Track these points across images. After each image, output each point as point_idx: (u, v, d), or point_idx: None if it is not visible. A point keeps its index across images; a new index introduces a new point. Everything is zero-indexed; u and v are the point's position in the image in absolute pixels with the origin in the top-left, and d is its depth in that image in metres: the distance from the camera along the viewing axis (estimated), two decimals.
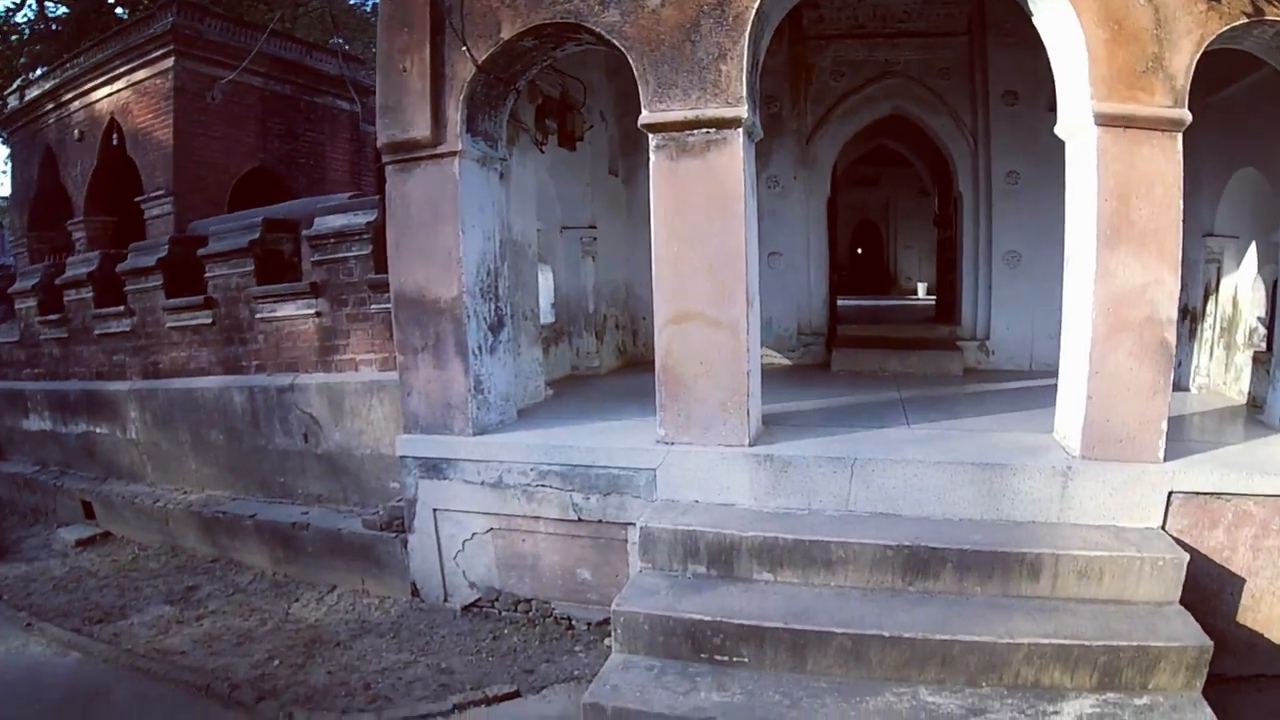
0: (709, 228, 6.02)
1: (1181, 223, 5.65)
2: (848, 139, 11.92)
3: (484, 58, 6.46)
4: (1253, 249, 8.44)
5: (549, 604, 6.64)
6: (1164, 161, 5.57)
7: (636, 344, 12.05)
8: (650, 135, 6.10)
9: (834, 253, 12.38)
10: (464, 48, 6.42)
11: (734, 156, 5.97)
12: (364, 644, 6.45)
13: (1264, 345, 8.24)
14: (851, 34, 11.37)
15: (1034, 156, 10.29)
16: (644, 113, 6.06)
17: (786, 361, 11.22)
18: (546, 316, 9.77)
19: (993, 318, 11.14)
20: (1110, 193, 5.59)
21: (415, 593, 7.06)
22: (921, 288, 26.14)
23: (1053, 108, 6.15)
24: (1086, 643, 4.69)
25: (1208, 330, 9.00)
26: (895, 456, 5.96)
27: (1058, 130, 6.08)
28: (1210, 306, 8.93)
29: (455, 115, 6.54)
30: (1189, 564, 5.15)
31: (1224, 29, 5.46)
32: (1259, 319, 8.45)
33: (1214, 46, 5.57)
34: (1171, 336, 5.70)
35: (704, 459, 6.12)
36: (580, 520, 6.41)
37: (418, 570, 7.04)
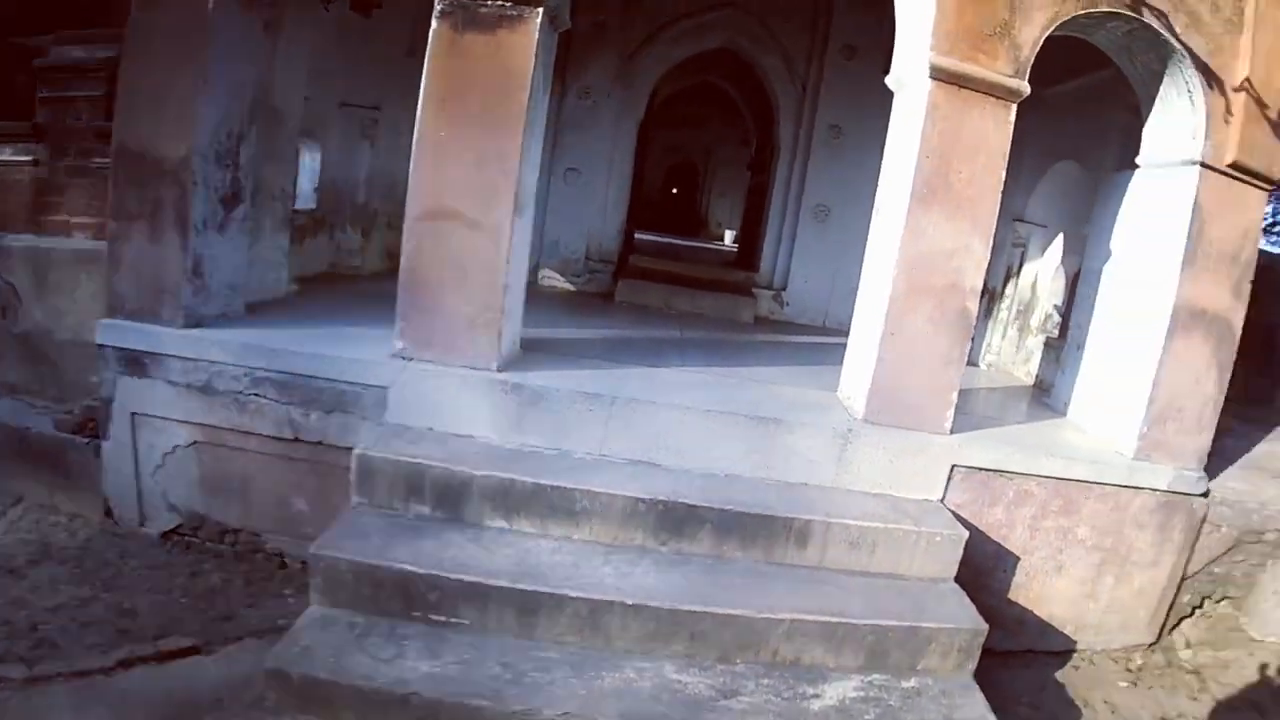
0: (485, 115, 5.22)
1: (1000, 194, 5.50)
2: (673, 64, 11.21)
3: None
4: (1059, 239, 8.74)
5: (260, 536, 5.70)
6: (993, 129, 5.37)
7: None
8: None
9: (639, 181, 11.82)
10: None
11: (528, 37, 5.20)
12: (41, 573, 5.25)
13: (1057, 332, 8.48)
14: None
15: (860, 114, 10.14)
16: None
17: (570, 287, 10.49)
18: (307, 201, 8.71)
19: (792, 269, 10.86)
20: (933, 150, 5.31)
21: (109, 513, 5.89)
22: (729, 235, 26.14)
23: (887, 69, 5.89)
24: (854, 621, 4.42)
25: (1004, 311, 9.34)
26: (662, 399, 5.40)
27: (889, 80, 5.81)
28: (1010, 288, 9.25)
29: None
30: (967, 540, 5.08)
31: (1079, 13, 5.37)
32: (1055, 306, 8.69)
33: (1065, 32, 5.53)
34: (974, 307, 5.54)
35: (444, 381, 5.34)
36: (298, 440, 5.47)
37: (112, 486, 5.85)
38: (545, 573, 4.43)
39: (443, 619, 4.27)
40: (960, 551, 5.04)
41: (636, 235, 14.10)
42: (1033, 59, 5.35)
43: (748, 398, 5.81)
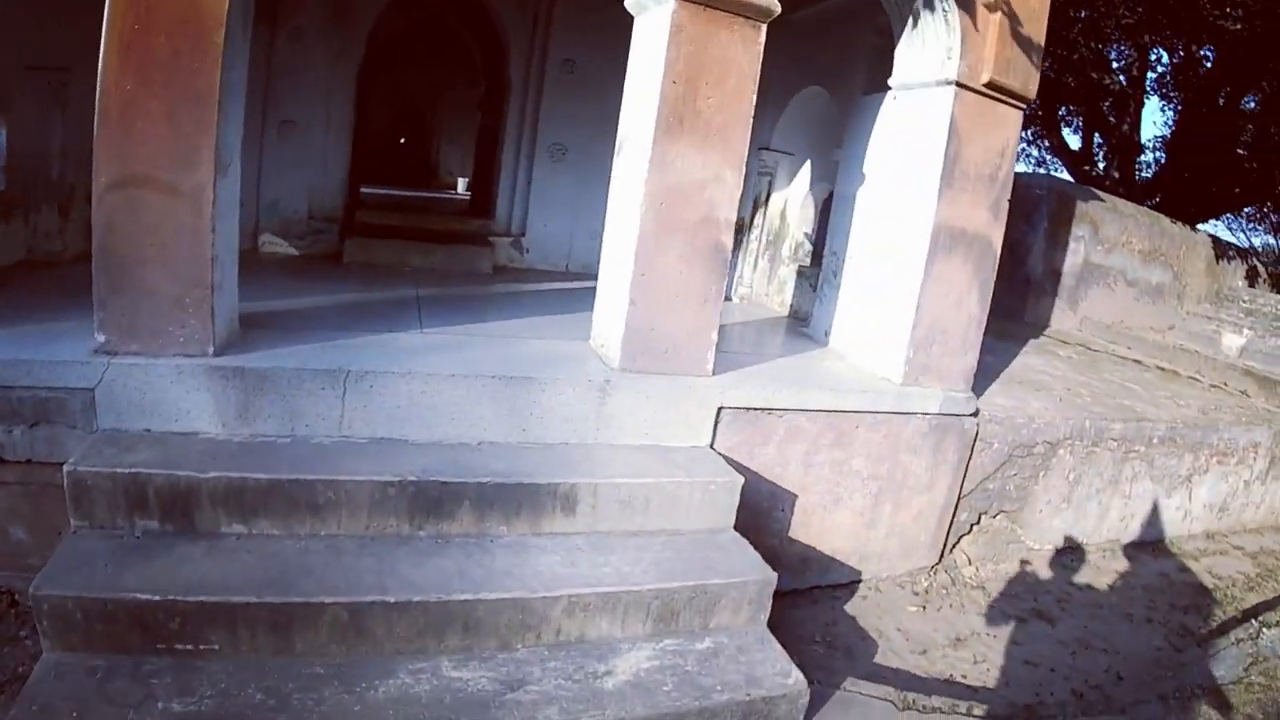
0: (175, 62, 4.45)
1: (751, 121, 5.29)
2: None
3: None
4: (807, 166, 8.88)
5: None
6: (742, 51, 5.15)
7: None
8: None
9: (363, 131, 10.94)
10: None
11: None
12: None
13: (809, 260, 8.60)
14: None
15: (594, 47, 9.76)
16: None
17: (294, 251, 9.47)
18: None
19: (530, 214, 10.37)
20: (679, 75, 5.03)
21: None
22: (462, 183, 24.96)
23: (619, 1, 5.59)
24: (636, 587, 4.25)
25: (754, 242, 9.43)
26: (401, 368, 4.87)
27: (629, 3, 5.51)
28: (759, 219, 9.33)
29: None
30: (742, 485, 5.00)
31: None
32: (806, 235, 8.83)
33: None
34: (728, 240, 5.39)
35: (155, 374, 4.55)
36: (3, 461, 4.57)
37: None
38: (295, 579, 3.89)
39: (190, 648, 3.66)
40: (737, 498, 4.95)
41: (364, 190, 13.14)
42: None
43: (495, 356, 5.37)
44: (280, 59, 9.31)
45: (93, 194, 4.56)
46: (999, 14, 5.62)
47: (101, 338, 4.61)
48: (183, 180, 4.53)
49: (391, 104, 25.72)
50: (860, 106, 7.16)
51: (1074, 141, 20.98)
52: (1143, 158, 20.21)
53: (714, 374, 5.41)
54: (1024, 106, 6.05)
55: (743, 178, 5.34)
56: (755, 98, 5.24)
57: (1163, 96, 19.47)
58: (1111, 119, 19.77)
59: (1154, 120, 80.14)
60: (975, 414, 6.21)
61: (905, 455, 5.97)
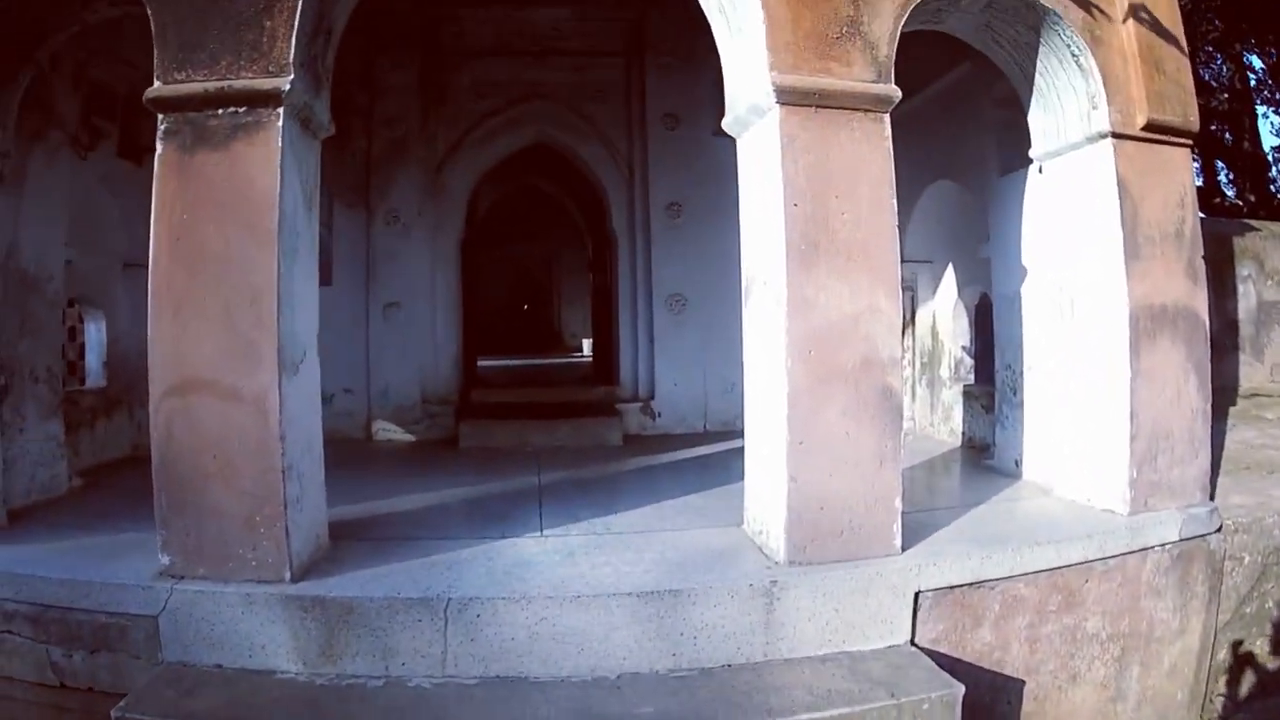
0: (228, 251, 4.02)
1: (897, 232, 4.53)
2: (487, 168, 10.16)
3: None
4: (950, 271, 8.08)
5: None
6: (869, 150, 4.44)
7: None
8: (159, 118, 4.16)
9: (473, 305, 10.61)
10: None
11: (268, 147, 4.09)
12: None
13: (972, 377, 7.84)
14: (495, 51, 9.79)
15: (697, 185, 9.30)
16: (154, 84, 4.15)
17: (410, 437, 9.02)
18: (96, 379, 7.57)
19: (657, 374, 9.58)
20: (802, 192, 4.31)
21: None
22: (586, 344, 24.78)
23: (719, 131, 5.26)
24: None
25: (907, 367, 8.50)
26: (515, 591, 3.98)
27: (728, 124, 4.95)
28: (907, 340, 8.48)
29: None
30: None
31: None
32: (964, 349, 8.02)
33: (913, 27, 4.75)
34: (897, 382, 4.48)
35: (224, 603, 3.89)
36: (64, 687, 4.06)
37: None
38: None
39: None
40: (958, 713, 3.75)
41: (483, 362, 12.77)
42: (894, 57, 4.52)
43: (631, 564, 4.37)
44: (379, 242, 9.10)
45: (150, 401, 4.08)
46: (1135, 32, 4.91)
47: (165, 560, 4.05)
48: (244, 384, 3.99)
49: (508, 274, 26.06)
50: (1000, 191, 6.41)
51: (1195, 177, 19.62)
52: (1270, 172, 18.67)
53: (902, 549, 4.41)
54: (1190, 142, 5.24)
55: (900, 301, 4.52)
56: (895, 200, 4.48)
57: (1265, 102, 18.15)
58: (1228, 139, 18.26)
59: (1269, 130, 76.92)
60: (1219, 529, 5.07)
61: (1147, 600, 4.82)
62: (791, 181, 4.27)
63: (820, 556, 4.27)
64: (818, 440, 4.26)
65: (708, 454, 7.77)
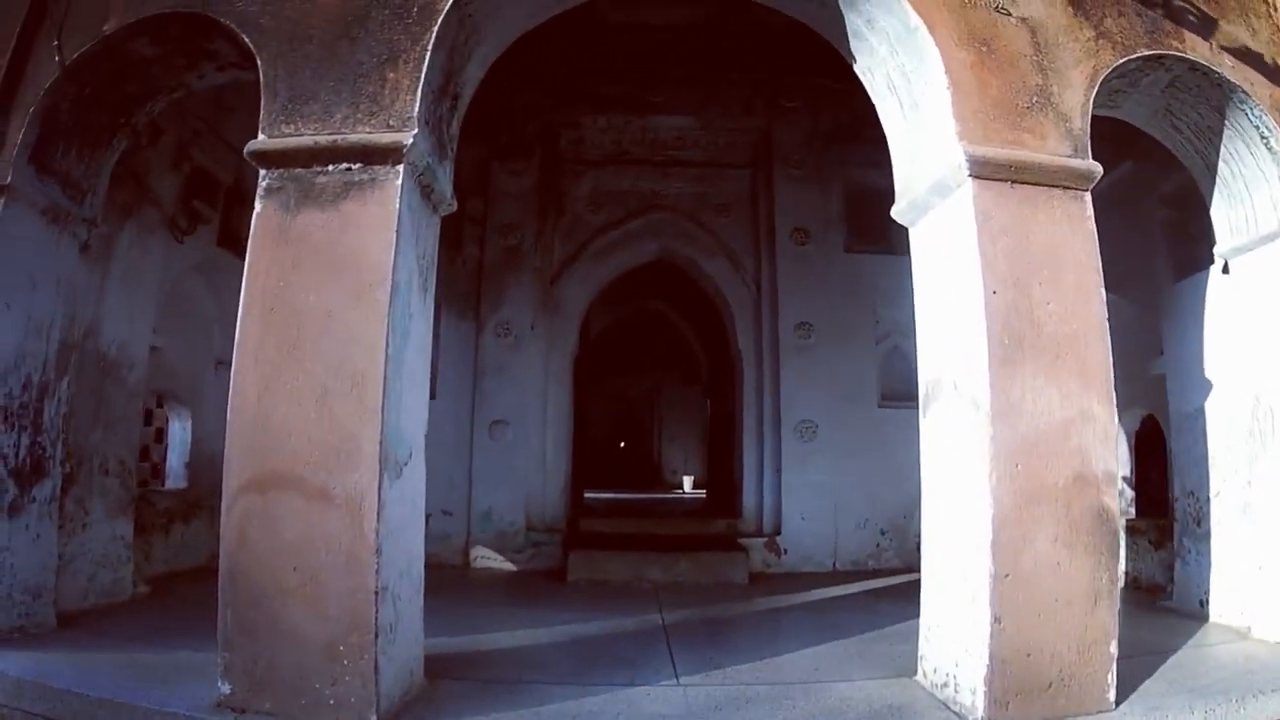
0: (327, 324, 3.55)
1: (1107, 327, 3.95)
2: (604, 284, 9.76)
3: (76, 57, 4.43)
4: None
5: None
6: (1071, 231, 3.95)
7: None
8: (261, 173, 3.83)
9: (582, 429, 10.01)
10: (55, 41, 4.41)
11: (385, 208, 3.69)
12: None
13: (1133, 510, 7.37)
14: (615, 160, 9.54)
15: (828, 303, 8.77)
16: (259, 136, 3.85)
17: (511, 567, 8.35)
18: (177, 480, 7.32)
19: (784, 506, 8.77)
20: (1001, 279, 3.74)
21: None
22: (688, 481, 24.45)
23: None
24: None
25: None
26: None
27: (899, 211, 4.47)
28: None
29: (16, 132, 4.46)
30: None
31: (1119, 62, 4.25)
32: (1124, 479, 7.37)
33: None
34: (1114, 501, 3.80)
35: None
36: None
37: None
38: None
39: None
40: None
41: (587, 495, 12.08)
42: (1088, 131, 4.12)
43: None
44: (487, 355, 8.65)
45: (223, 498, 3.60)
46: None
47: (226, 688, 3.46)
48: (337, 483, 3.44)
49: (610, 407, 25.58)
50: (1175, 298, 5.91)
51: None
52: None
53: (1117, 704, 3.67)
54: None
55: (1114, 406, 3.84)
56: (1102, 289, 3.93)
57: None
58: None
59: None
60: None
61: None
62: (991, 265, 3.70)
63: (1024, 714, 3.54)
64: (1026, 572, 3.57)
65: (844, 595, 6.98)
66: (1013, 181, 3.81)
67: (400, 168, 3.69)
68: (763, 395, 9.17)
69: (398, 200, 3.66)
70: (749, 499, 9.17)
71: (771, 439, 8.99)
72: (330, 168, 3.71)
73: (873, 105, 4.59)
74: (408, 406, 3.74)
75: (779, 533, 8.73)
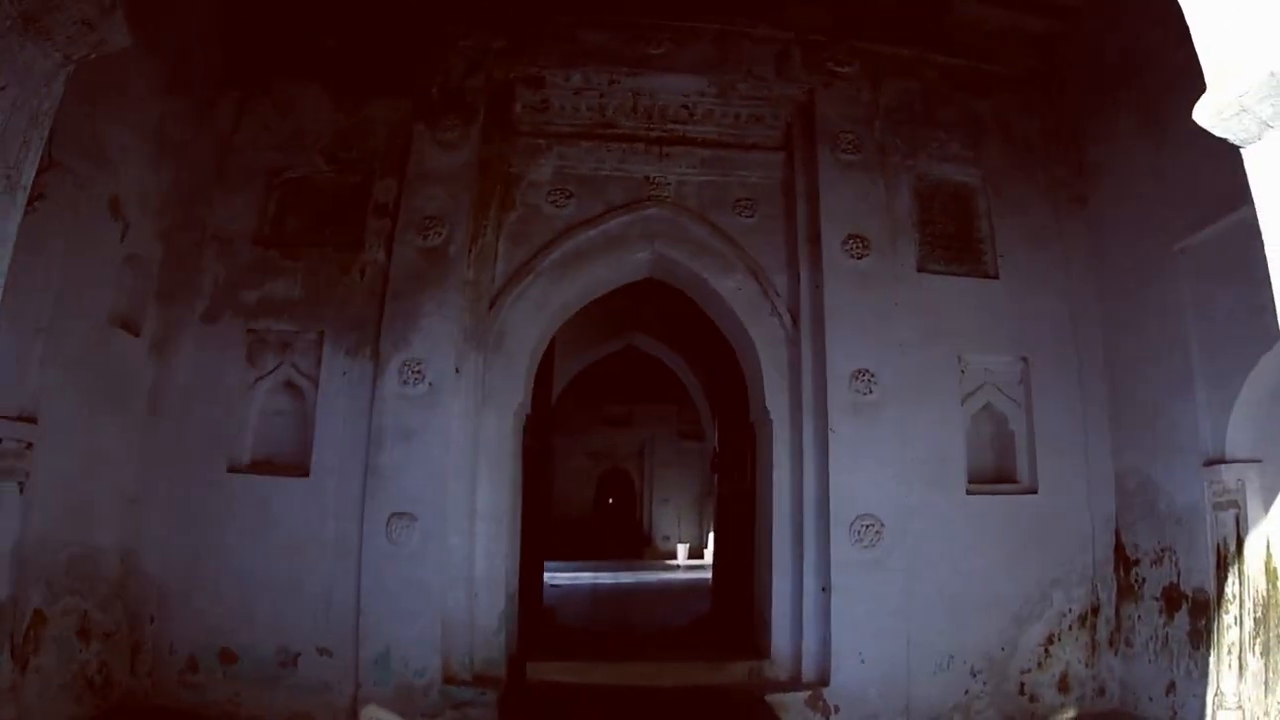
0: None
1: None
2: (572, 310, 7.28)
3: None
4: None
5: None
6: None
7: (138, 671, 6.12)
8: None
9: (539, 511, 7.37)
10: None
11: None
12: None
13: None
14: (593, 133, 7.25)
15: (899, 343, 6.66)
16: None
17: None
18: None
19: (835, 642, 6.18)
20: None
21: None
22: (682, 551, 22.27)
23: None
24: None
25: (1230, 625, 5.94)
26: None
27: (1215, 118, 2.64)
28: (1230, 585, 5.94)
29: None
30: None
31: None
32: None
33: None
34: None
35: None
36: None
37: None
38: None
39: None
40: None
41: (550, 576, 9.18)
42: None
43: None
44: (389, 410, 6.27)
45: None
46: None
47: None
48: None
49: (594, 466, 24.37)
50: None
51: None
52: None
53: None
54: None
55: None
56: None
57: None
58: None
59: None
60: None
61: None
62: None
63: None
64: None
65: None
66: None
67: None
68: (802, 475, 6.65)
69: None
70: (780, 633, 6.56)
71: (816, 542, 6.48)
72: None
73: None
74: None
75: (826, 683, 6.21)
